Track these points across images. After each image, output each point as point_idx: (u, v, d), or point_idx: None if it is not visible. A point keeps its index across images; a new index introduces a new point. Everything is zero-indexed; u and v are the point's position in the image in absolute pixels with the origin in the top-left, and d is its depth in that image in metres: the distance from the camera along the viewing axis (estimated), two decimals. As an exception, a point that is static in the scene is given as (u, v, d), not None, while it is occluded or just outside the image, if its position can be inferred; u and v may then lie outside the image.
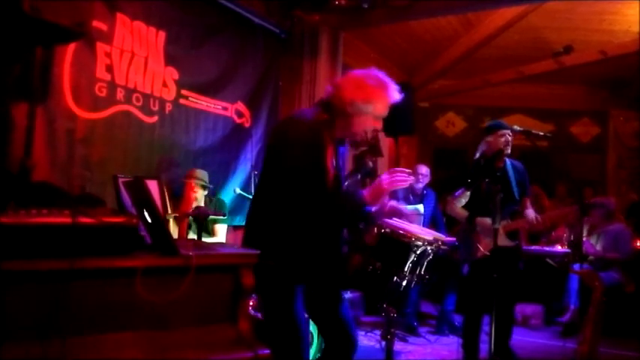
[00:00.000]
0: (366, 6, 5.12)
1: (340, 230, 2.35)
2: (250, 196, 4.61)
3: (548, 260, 5.32)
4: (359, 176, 5.64)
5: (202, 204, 4.21)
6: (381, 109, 2.23)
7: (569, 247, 4.86)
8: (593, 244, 5.15)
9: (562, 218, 4.56)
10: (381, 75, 2.24)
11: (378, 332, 3.75)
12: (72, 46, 3.48)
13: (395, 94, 2.23)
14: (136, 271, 1.61)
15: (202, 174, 4.23)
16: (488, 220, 3.38)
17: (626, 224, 5.54)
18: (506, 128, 3.63)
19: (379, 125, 2.28)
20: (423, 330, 4.91)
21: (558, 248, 5.33)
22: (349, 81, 2.22)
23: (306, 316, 2.33)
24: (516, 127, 3.62)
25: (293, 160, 2.10)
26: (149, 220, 1.75)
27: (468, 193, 3.39)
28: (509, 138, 3.63)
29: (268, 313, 2.26)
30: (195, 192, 4.13)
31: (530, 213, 3.71)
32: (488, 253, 3.50)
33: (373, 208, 2.32)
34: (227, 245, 3.23)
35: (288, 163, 2.12)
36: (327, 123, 2.21)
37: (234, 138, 4.96)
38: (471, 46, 6.94)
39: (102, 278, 1.60)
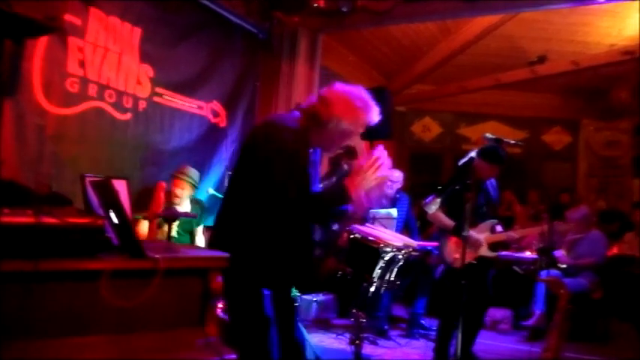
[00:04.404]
0: (346, 10, 5.13)
1: (311, 237, 2.34)
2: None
3: (515, 268, 5.42)
4: (334, 179, 5.65)
5: (186, 204, 4.29)
6: (360, 128, 2.28)
7: (538, 253, 4.94)
8: (565, 253, 5.26)
9: (535, 233, 4.71)
10: (367, 96, 2.27)
11: (349, 335, 3.75)
12: (43, 40, 3.41)
13: (376, 117, 2.27)
14: (101, 273, 1.58)
15: (194, 172, 4.31)
16: (473, 232, 3.59)
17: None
18: (502, 164, 3.71)
19: (353, 141, 2.31)
20: (393, 333, 4.92)
21: (527, 254, 5.42)
22: (338, 99, 2.23)
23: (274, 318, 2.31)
24: (488, 135, 3.68)
25: (282, 170, 2.10)
26: (116, 222, 1.72)
27: (439, 200, 3.44)
28: (497, 173, 3.77)
29: (236, 315, 2.25)
30: (182, 189, 4.20)
31: (500, 228, 3.89)
32: (474, 262, 3.63)
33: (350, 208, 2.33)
34: (196, 248, 3.20)
35: (276, 172, 2.10)
36: (307, 132, 2.22)
37: (209, 138, 4.92)
38: (449, 53, 7.02)
39: (66, 280, 1.57)
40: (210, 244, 2.28)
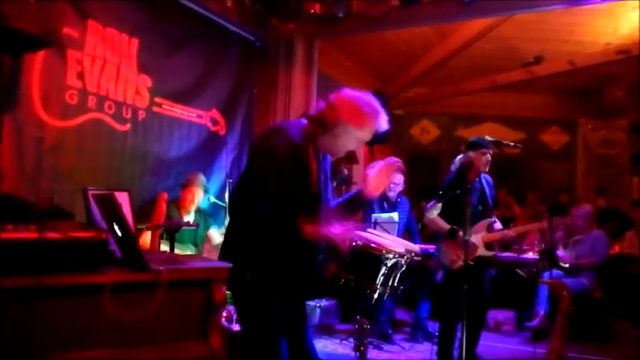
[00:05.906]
0: (341, 15, 5.15)
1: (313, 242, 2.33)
2: (224, 204, 4.60)
3: (518, 271, 5.43)
4: (335, 184, 5.66)
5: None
6: (367, 135, 2.26)
7: (540, 255, 4.94)
8: (568, 252, 5.26)
9: (532, 231, 4.71)
10: (376, 103, 2.25)
11: (353, 340, 3.75)
12: (42, 54, 3.41)
13: (384, 124, 2.25)
14: (104, 287, 1.58)
15: (202, 177, 4.42)
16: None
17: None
18: (489, 147, 3.71)
19: (360, 147, 2.32)
20: (397, 337, 4.93)
21: (530, 255, 5.42)
22: (346, 104, 2.21)
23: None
24: (487, 138, 3.70)
25: (261, 164, 2.15)
26: (119, 234, 1.73)
27: (440, 205, 3.45)
28: (490, 158, 3.74)
29: (246, 325, 2.24)
30: (197, 195, 4.33)
31: (499, 226, 3.88)
32: (471, 263, 3.60)
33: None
34: (199, 258, 3.20)
35: (255, 166, 2.19)
36: (313, 138, 2.22)
37: (209, 146, 4.93)
38: (445, 55, 7.03)
39: (70, 295, 1.57)
40: (220, 254, 2.29)
